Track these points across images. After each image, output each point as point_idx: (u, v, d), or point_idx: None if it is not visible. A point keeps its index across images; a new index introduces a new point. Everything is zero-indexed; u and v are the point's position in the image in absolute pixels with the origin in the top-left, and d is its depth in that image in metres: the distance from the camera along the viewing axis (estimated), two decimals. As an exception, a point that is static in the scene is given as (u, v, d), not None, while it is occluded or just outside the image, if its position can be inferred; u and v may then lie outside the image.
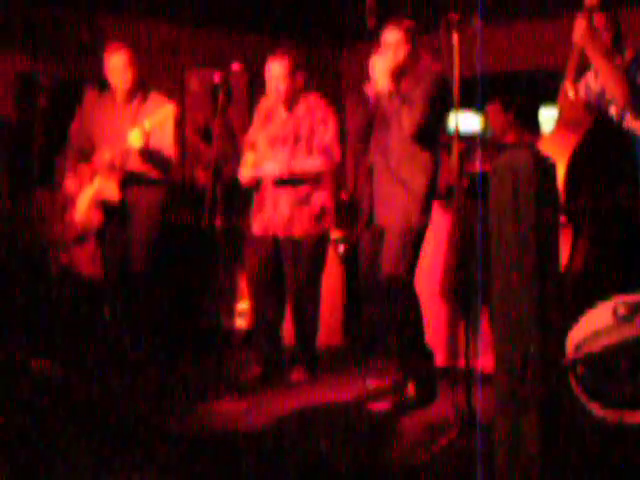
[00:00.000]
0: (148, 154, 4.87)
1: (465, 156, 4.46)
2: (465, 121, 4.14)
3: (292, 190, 4.80)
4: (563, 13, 4.57)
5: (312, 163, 4.80)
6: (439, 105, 4.14)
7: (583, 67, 4.08)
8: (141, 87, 5.03)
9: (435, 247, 4.93)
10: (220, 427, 3.88)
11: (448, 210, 4.95)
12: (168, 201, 5.12)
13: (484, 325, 4.34)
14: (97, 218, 4.96)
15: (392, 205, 4.23)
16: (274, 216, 4.83)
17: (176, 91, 6.67)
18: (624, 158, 3.95)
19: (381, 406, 4.13)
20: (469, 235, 3.90)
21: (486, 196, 2.88)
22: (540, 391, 2.74)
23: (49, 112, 6.06)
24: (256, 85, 5.88)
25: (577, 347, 3.47)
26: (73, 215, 5.03)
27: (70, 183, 5.04)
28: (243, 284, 5.61)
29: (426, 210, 4.24)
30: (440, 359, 4.71)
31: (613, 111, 4.03)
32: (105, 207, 4.95)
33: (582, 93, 4.10)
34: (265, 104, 4.98)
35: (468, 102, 3.79)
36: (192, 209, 5.87)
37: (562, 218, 3.79)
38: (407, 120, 4.13)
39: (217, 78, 4.57)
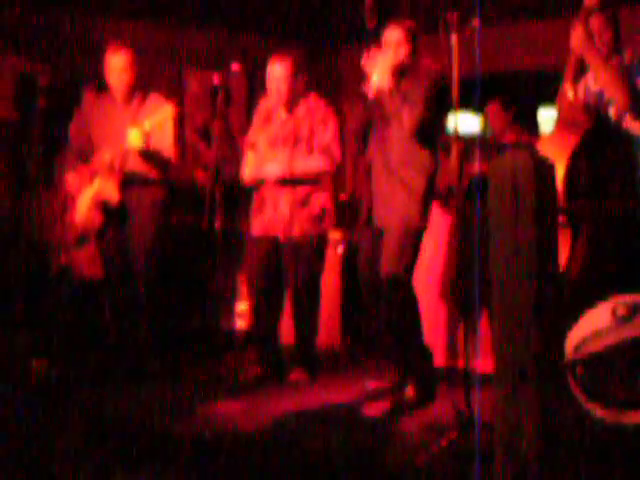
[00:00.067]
0: (148, 155, 4.87)
1: (464, 156, 4.45)
2: (464, 121, 4.14)
3: (292, 191, 4.80)
4: (562, 13, 4.57)
5: (313, 163, 4.80)
6: (439, 105, 4.15)
7: (582, 68, 4.08)
8: (140, 88, 5.03)
9: (434, 248, 4.93)
10: (219, 427, 3.87)
11: (447, 211, 4.95)
12: (168, 202, 5.12)
13: (483, 325, 4.34)
14: (97, 219, 4.96)
15: (391, 205, 4.23)
16: (274, 217, 4.83)
17: (175, 92, 6.66)
18: (623, 159, 3.95)
19: (375, 410, 4.12)
20: (468, 236, 3.90)
21: (485, 197, 2.89)
22: (540, 391, 2.75)
23: (49, 112, 6.05)
24: (255, 86, 5.88)
25: (576, 347, 3.48)
26: (73, 216, 5.03)
27: (71, 178, 5.03)
28: (243, 285, 5.62)
29: (425, 210, 4.24)
30: (439, 359, 4.72)
31: (612, 112, 4.03)
32: (105, 208, 4.95)
33: (581, 94, 4.11)
34: (265, 105, 4.98)
35: (467, 102, 3.79)
36: (192, 210, 5.87)
37: (561, 218, 3.79)
38: (408, 118, 4.13)
39: (216, 79, 4.57)
